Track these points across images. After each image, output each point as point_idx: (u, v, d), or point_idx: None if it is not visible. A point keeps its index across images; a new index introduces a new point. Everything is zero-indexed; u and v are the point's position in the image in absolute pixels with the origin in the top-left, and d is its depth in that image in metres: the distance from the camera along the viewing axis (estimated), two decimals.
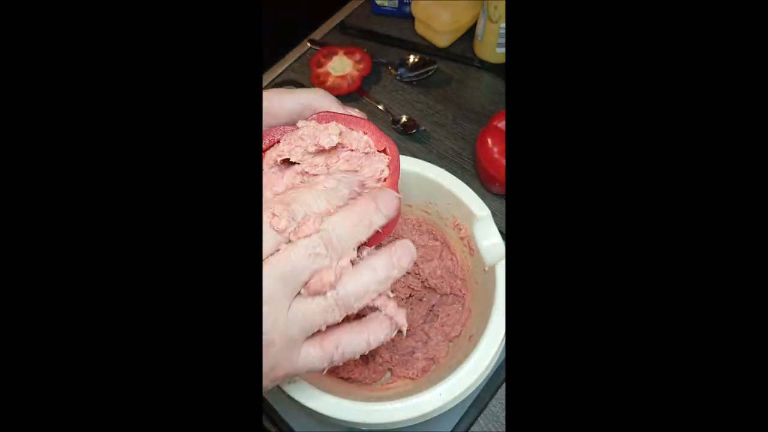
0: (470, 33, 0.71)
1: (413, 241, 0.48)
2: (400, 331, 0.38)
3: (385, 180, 0.31)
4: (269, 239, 0.25)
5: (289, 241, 0.25)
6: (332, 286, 0.26)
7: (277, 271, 0.24)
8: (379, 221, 0.28)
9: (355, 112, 0.32)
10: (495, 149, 0.53)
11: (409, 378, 0.42)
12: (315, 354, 0.27)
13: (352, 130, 0.31)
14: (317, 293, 0.26)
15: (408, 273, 0.47)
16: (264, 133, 0.30)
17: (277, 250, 0.25)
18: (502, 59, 0.68)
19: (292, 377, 0.27)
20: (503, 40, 0.66)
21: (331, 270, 0.26)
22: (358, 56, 0.68)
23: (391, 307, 0.28)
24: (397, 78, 0.69)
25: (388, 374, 0.44)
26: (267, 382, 0.26)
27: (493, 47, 0.67)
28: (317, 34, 0.74)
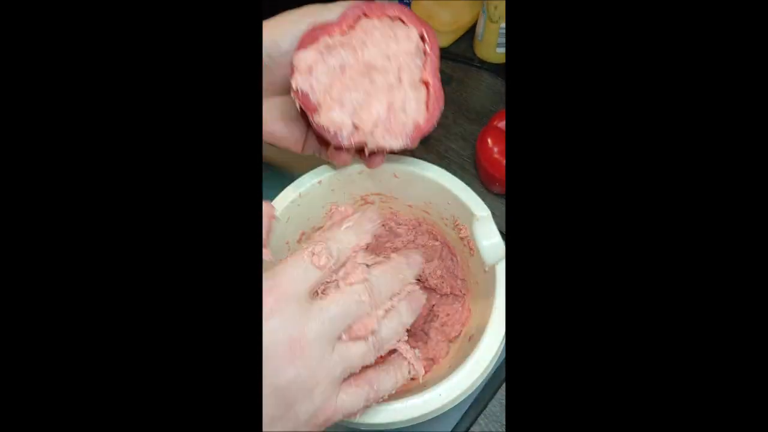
0: (470, 33, 0.71)
1: (412, 241, 0.48)
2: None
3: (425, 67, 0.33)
4: (312, 276, 0.27)
5: (335, 282, 0.28)
6: (374, 333, 0.28)
7: (329, 313, 0.26)
8: (409, 277, 0.30)
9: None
10: (495, 149, 0.53)
11: (409, 378, 0.42)
12: (352, 393, 0.28)
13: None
14: (358, 338, 0.27)
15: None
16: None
17: (323, 292, 0.27)
18: (502, 59, 0.68)
19: (330, 423, 0.28)
20: (503, 40, 0.66)
21: (373, 318, 0.28)
22: None
23: (411, 354, 0.31)
24: None
25: None
26: (308, 428, 0.26)
27: (493, 47, 0.67)
28: None
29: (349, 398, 0.28)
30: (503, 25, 0.64)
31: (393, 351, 0.31)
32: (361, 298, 0.27)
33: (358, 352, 0.27)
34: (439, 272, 0.46)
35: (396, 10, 0.33)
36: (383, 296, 0.29)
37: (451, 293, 0.46)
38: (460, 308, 0.45)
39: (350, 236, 0.29)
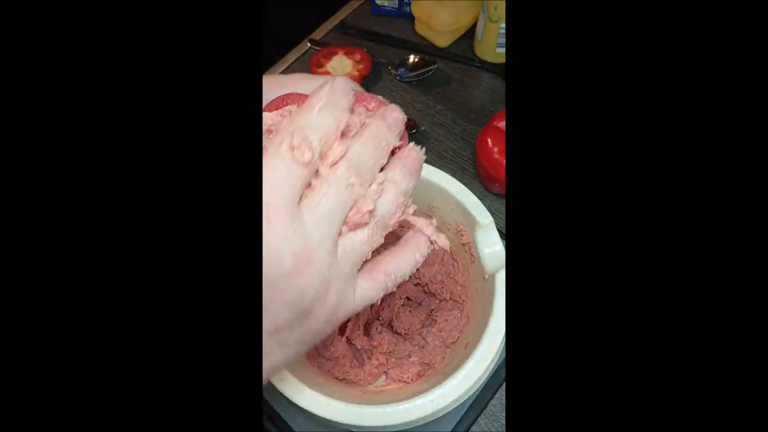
0: (470, 33, 0.71)
1: None
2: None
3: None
4: (298, 176, 0.23)
5: (317, 172, 0.24)
6: (372, 213, 0.25)
7: (320, 211, 0.24)
8: (393, 141, 0.27)
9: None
10: (495, 149, 0.53)
11: (404, 382, 0.42)
12: (368, 287, 0.27)
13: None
14: (358, 225, 0.25)
15: (408, 277, 0.46)
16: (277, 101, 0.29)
17: (309, 185, 0.24)
18: (502, 59, 0.68)
19: (351, 315, 0.27)
20: (503, 40, 0.66)
21: (368, 198, 0.25)
22: (358, 56, 0.68)
23: (429, 228, 0.29)
24: (397, 78, 0.69)
25: (383, 377, 0.44)
26: (329, 325, 0.26)
27: (493, 47, 0.67)
28: (317, 34, 0.74)
29: (365, 292, 0.27)
30: (503, 25, 0.64)
31: (409, 226, 0.28)
32: (349, 181, 0.24)
33: (362, 239, 0.25)
34: (439, 277, 0.46)
35: (374, 101, 0.30)
36: (371, 172, 0.25)
37: (450, 299, 0.46)
38: (459, 314, 0.45)
39: (327, 118, 0.24)
